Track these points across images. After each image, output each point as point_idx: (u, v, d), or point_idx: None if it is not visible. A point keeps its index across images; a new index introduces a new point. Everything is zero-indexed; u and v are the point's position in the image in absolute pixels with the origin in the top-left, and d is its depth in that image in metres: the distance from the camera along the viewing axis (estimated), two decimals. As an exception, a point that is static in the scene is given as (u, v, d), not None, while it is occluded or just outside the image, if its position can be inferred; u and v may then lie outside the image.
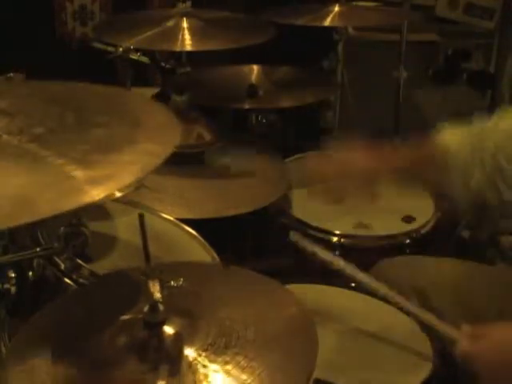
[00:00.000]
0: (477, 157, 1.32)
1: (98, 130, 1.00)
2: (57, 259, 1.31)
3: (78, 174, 0.86)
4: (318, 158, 1.61)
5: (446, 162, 1.34)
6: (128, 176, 0.89)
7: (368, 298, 1.43)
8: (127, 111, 1.10)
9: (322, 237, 1.78)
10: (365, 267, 1.61)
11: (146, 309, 0.95)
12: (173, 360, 0.93)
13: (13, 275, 1.21)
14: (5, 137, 0.95)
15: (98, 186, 0.84)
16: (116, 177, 0.88)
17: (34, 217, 0.82)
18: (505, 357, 1.15)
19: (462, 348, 1.18)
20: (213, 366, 0.92)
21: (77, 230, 1.23)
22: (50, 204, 0.83)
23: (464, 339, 1.18)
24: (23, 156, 0.91)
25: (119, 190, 0.89)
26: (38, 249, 1.26)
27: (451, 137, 1.37)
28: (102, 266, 1.35)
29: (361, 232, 1.81)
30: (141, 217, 0.97)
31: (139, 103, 1.16)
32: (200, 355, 0.93)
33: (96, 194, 0.84)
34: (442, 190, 1.47)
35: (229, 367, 0.91)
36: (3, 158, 0.91)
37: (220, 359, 0.92)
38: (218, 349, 0.94)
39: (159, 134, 1.02)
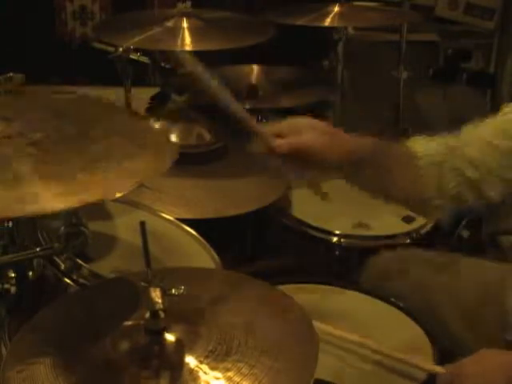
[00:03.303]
0: (456, 163, 1.27)
1: (95, 143, 1.00)
2: (57, 259, 1.31)
3: (77, 177, 0.87)
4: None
5: (415, 162, 1.27)
6: (125, 182, 0.90)
7: (369, 298, 1.43)
8: (125, 126, 1.11)
9: (322, 237, 1.78)
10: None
11: (147, 316, 0.95)
12: (174, 367, 0.93)
13: (13, 275, 1.21)
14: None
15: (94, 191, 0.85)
16: (111, 184, 0.89)
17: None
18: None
19: None
20: (214, 373, 0.91)
21: (77, 230, 1.23)
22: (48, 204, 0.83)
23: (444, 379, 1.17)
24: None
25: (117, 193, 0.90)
26: (37, 249, 1.26)
27: (424, 141, 1.31)
28: (102, 266, 1.35)
29: (360, 232, 1.81)
30: (142, 225, 0.97)
31: (137, 119, 1.17)
32: (201, 362, 0.93)
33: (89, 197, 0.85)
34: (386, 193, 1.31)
35: (230, 374, 0.91)
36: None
37: (221, 366, 0.92)
38: (219, 356, 0.94)
39: (156, 150, 1.03)
